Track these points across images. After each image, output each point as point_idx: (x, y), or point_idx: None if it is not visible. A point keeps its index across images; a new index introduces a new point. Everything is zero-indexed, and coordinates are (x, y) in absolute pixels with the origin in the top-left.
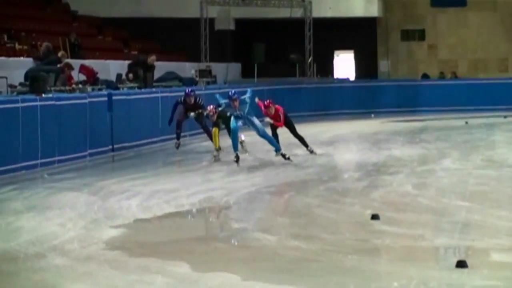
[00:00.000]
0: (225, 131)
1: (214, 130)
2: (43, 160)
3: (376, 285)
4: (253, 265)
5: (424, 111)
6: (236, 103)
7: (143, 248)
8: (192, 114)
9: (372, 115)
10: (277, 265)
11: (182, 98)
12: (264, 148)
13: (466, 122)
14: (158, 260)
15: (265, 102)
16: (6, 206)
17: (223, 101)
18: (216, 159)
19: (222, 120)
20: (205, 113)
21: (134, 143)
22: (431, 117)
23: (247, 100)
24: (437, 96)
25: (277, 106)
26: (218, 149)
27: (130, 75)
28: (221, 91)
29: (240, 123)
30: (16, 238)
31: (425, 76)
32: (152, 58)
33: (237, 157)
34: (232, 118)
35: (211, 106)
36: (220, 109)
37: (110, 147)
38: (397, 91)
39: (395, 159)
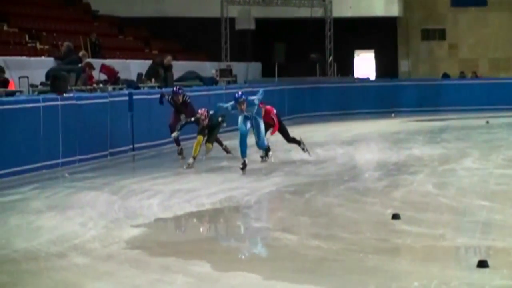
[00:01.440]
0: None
1: (199, 138)
2: (64, 160)
3: (397, 285)
4: (274, 265)
5: (445, 110)
6: (243, 106)
7: (163, 247)
8: (183, 116)
9: (393, 115)
10: (297, 265)
11: (170, 97)
12: (284, 148)
13: (487, 122)
14: (179, 260)
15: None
16: (27, 205)
17: (228, 105)
18: (190, 167)
19: (212, 125)
20: (194, 118)
21: (155, 143)
22: (452, 117)
23: (256, 102)
24: (457, 95)
25: (267, 107)
26: (195, 157)
27: (149, 82)
28: (242, 90)
29: (248, 125)
30: (37, 237)
31: (446, 76)
32: (168, 59)
33: (244, 164)
34: (240, 120)
35: (203, 109)
36: (212, 112)
37: (131, 146)
38: (418, 91)
39: (415, 159)
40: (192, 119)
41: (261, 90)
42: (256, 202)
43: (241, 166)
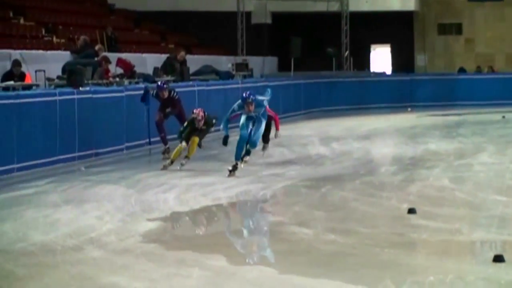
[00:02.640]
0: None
1: (194, 138)
2: (80, 153)
3: (412, 279)
4: (290, 259)
5: (461, 105)
6: (252, 107)
7: (179, 241)
8: (168, 110)
9: (409, 109)
10: (313, 259)
11: (155, 92)
12: (300, 142)
13: (503, 117)
14: (195, 253)
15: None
16: (44, 199)
17: (234, 105)
18: (181, 168)
19: (207, 127)
20: (189, 119)
21: (171, 136)
22: (468, 111)
23: (265, 103)
24: (474, 90)
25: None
26: (188, 159)
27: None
28: (257, 84)
29: (250, 128)
30: (54, 230)
31: (462, 70)
32: (181, 55)
33: (235, 167)
34: (242, 121)
35: (198, 109)
36: (207, 113)
37: (147, 140)
38: (434, 85)
39: (431, 153)
40: (191, 122)
41: (269, 90)
42: (272, 196)
43: (230, 168)
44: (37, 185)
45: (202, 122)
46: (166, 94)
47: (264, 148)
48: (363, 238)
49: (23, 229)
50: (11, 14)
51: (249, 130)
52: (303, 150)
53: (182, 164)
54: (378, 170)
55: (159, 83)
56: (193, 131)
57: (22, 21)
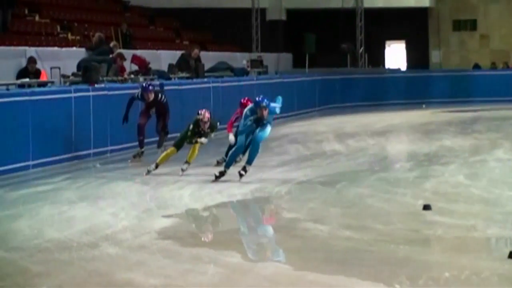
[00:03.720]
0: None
1: (196, 144)
2: (95, 150)
3: (427, 276)
4: (305, 255)
5: (476, 101)
6: (265, 112)
7: (195, 237)
8: (152, 111)
9: (424, 106)
10: (328, 255)
11: (139, 93)
12: (315, 139)
13: None
14: (210, 250)
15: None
16: (59, 195)
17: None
18: (182, 174)
19: (211, 130)
20: (193, 121)
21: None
22: (483, 108)
23: (277, 111)
24: (489, 86)
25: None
26: (189, 164)
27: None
28: (272, 81)
29: (249, 139)
30: (69, 227)
31: (476, 67)
32: (195, 52)
33: (222, 174)
34: (244, 128)
35: (204, 110)
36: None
37: None
38: (449, 82)
39: (446, 150)
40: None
41: (280, 97)
42: (287, 193)
43: (217, 174)
44: (52, 182)
45: (208, 124)
46: (151, 96)
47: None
48: (378, 234)
49: (39, 226)
50: (26, 12)
51: (248, 139)
52: (318, 146)
53: (182, 170)
54: (393, 167)
55: (144, 84)
56: (195, 134)
57: (37, 18)
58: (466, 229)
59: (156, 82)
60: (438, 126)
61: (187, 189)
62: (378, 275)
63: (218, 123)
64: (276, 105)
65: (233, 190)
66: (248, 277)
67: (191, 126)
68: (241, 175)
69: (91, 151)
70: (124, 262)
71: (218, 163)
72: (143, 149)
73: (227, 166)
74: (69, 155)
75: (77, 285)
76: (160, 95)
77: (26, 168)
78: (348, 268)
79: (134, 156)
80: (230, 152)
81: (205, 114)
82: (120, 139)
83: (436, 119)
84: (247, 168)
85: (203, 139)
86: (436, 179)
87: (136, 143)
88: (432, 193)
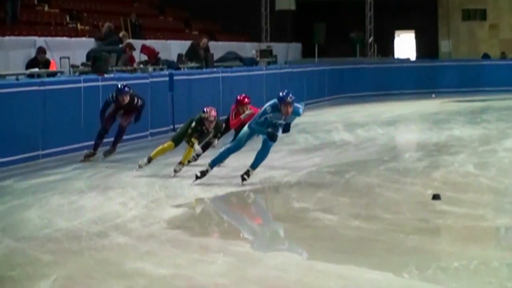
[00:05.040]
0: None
1: (190, 148)
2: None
3: (437, 265)
4: (314, 245)
5: (485, 91)
6: (290, 109)
7: (204, 227)
8: (119, 112)
9: (433, 95)
10: (338, 245)
11: (113, 95)
12: (324, 128)
13: None
14: (220, 239)
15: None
16: (69, 185)
17: (266, 105)
18: (175, 175)
19: (215, 131)
20: (197, 119)
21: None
22: (492, 97)
23: (301, 112)
24: (498, 76)
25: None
26: (183, 165)
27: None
28: (282, 71)
29: (248, 142)
30: (79, 217)
31: (486, 56)
32: (203, 42)
33: (204, 173)
34: (249, 130)
35: (210, 108)
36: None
37: (171, 127)
38: (458, 71)
39: (456, 139)
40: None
41: (303, 103)
42: (296, 183)
43: (199, 174)
44: (62, 171)
45: (213, 124)
46: (126, 99)
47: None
48: (388, 224)
49: (48, 215)
50: (35, 1)
51: (246, 143)
52: (327, 136)
53: (175, 171)
54: (402, 156)
55: (119, 85)
56: (196, 132)
57: (46, 8)
58: (475, 219)
59: (166, 72)
60: (447, 116)
61: (197, 180)
62: (387, 265)
63: (223, 125)
64: (300, 106)
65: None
66: (257, 266)
67: (193, 124)
68: (243, 179)
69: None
70: (133, 252)
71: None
72: (95, 152)
73: (213, 163)
74: (79, 145)
75: (87, 275)
76: (136, 99)
77: (35, 158)
78: (357, 258)
79: (86, 157)
80: (223, 149)
81: (211, 112)
82: (128, 129)
83: (445, 109)
84: (250, 173)
85: (197, 148)
86: (446, 168)
87: (143, 133)
88: (441, 183)
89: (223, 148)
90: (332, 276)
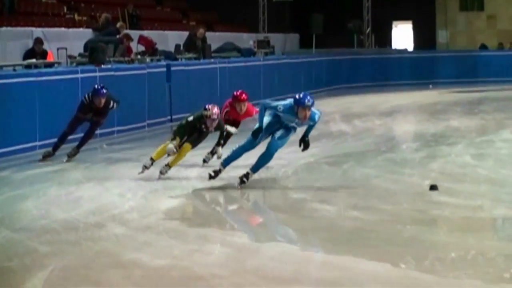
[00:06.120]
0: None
1: (186, 145)
2: (102, 131)
3: (434, 256)
4: (312, 235)
5: (483, 82)
6: (308, 113)
7: (201, 218)
8: (89, 116)
9: (430, 86)
10: (335, 236)
11: (89, 95)
12: (321, 119)
13: None
14: (217, 230)
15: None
16: (67, 176)
17: (279, 104)
18: (160, 177)
19: (220, 131)
20: (195, 116)
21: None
22: (490, 88)
23: (317, 118)
24: (495, 66)
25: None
26: (169, 168)
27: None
28: (279, 61)
29: (263, 139)
30: (76, 208)
31: (483, 47)
32: (200, 32)
33: (217, 173)
34: (270, 124)
35: (210, 105)
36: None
37: (169, 117)
38: (456, 62)
39: (453, 130)
40: (204, 113)
41: (319, 111)
42: (294, 173)
43: (213, 173)
44: (59, 162)
45: (216, 123)
46: (103, 102)
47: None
48: (385, 215)
49: (46, 206)
50: None
51: (261, 140)
52: (324, 127)
53: (161, 173)
54: (400, 147)
55: (96, 86)
56: (194, 130)
57: None
58: (473, 210)
59: (163, 62)
60: (444, 107)
61: (194, 170)
62: (385, 255)
63: (225, 127)
64: (316, 112)
65: (240, 170)
66: (254, 257)
67: (191, 118)
68: (242, 182)
69: (98, 131)
70: (131, 243)
71: (205, 162)
72: (54, 153)
73: (225, 163)
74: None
75: (84, 266)
76: (112, 103)
77: (33, 148)
78: (355, 248)
79: (44, 157)
80: (236, 146)
81: (213, 110)
82: (126, 120)
83: (443, 100)
84: (250, 176)
85: (170, 147)
86: (443, 159)
87: (141, 124)
88: (438, 173)
89: (237, 146)
90: (329, 267)
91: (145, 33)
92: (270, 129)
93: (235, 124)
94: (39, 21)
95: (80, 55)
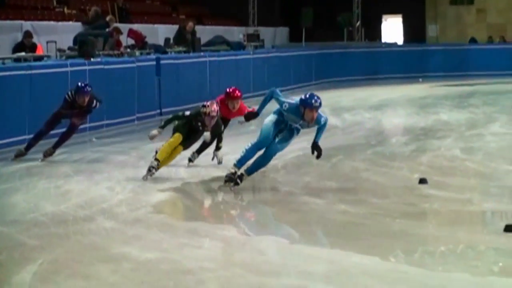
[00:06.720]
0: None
1: (178, 147)
2: (91, 124)
3: (423, 249)
4: (301, 229)
5: (472, 75)
6: (315, 115)
7: (191, 211)
8: (69, 113)
9: (420, 80)
10: (324, 229)
11: (72, 93)
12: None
13: None
14: (206, 224)
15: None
16: (55, 169)
17: (286, 100)
18: (148, 176)
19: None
20: (202, 110)
21: (182, 107)
22: (479, 82)
23: (323, 121)
24: (485, 60)
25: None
26: (159, 165)
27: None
28: (268, 55)
29: (276, 132)
30: (65, 201)
31: (473, 41)
32: (189, 25)
33: (232, 176)
34: (271, 122)
35: (209, 102)
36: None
37: (158, 111)
38: (445, 56)
39: (443, 124)
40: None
41: (326, 117)
42: (283, 167)
43: (227, 178)
44: (54, 152)
45: (214, 121)
46: (86, 100)
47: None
48: (374, 208)
49: (35, 200)
50: None
51: (273, 135)
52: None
53: (150, 171)
54: (389, 141)
55: (80, 84)
56: (190, 128)
57: None
58: (462, 203)
59: (153, 56)
60: (434, 100)
61: (183, 164)
62: (374, 249)
63: (222, 126)
64: (323, 115)
65: (229, 164)
66: (244, 250)
67: (187, 113)
68: (236, 184)
69: (87, 125)
70: (120, 236)
71: (191, 161)
72: (26, 152)
73: (239, 163)
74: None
75: (73, 259)
76: (95, 102)
77: (22, 142)
78: (344, 242)
79: (16, 156)
80: (248, 145)
81: (212, 107)
82: (115, 113)
83: (433, 93)
84: (244, 178)
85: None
86: (432, 153)
87: (130, 117)
88: (428, 167)
89: (249, 145)
90: (319, 260)
91: (135, 26)
92: (277, 128)
93: (225, 122)
94: (29, 14)
95: (69, 48)
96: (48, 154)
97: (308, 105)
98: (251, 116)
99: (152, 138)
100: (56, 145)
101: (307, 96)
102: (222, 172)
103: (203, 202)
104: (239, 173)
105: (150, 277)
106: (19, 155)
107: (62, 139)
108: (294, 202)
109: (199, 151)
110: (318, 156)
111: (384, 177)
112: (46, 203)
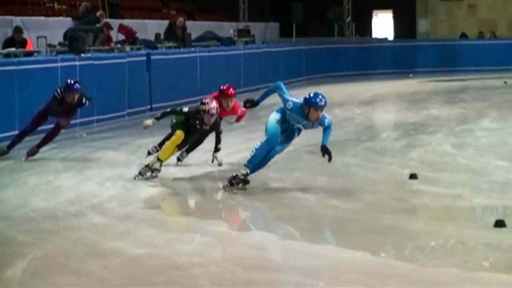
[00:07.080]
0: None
1: (179, 133)
2: (82, 120)
3: (413, 244)
4: (292, 224)
5: (463, 71)
6: (320, 115)
7: (181, 207)
8: (57, 110)
9: (411, 75)
10: (315, 224)
11: (62, 90)
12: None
13: (505, 82)
14: (197, 219)
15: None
16: (46, 165)
17: (290, 98)
18: (151, 176)
19: (215, 130)
20: (201, 108)
21: (173, 103)
22: (470, 77)
23: (326, 122)
24: (475, 56)
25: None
26: (161, 164)
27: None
28: (259, 50)
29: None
30: (55, 197)
31: (463, 36)
32: (180, 21)
33: (244, 178)
34: (276, 119)
35: (208, 99)
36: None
37: (149, 106)
38: (436, 51)
39: (433, 119)
40: (201, 107)
41: (329, 119)
42: (274, 162)
43: (238, 180)
44: (38, 151)
45: (214, 119)
46: (76, 97)
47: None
48: (365, 203)
49: (25, 195)
50: None
51: (280, 130)
52: None
53: (141, 174)
54: (380, 136)
55: (69, 81)
56: (189, 126)
57: None
58: (452, 198)
59: (143, 51)
60: (425, 96)
61: (174, 159)
62: (364, 244)
63: (221, 129)
64: (327, 116)
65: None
66: (234, 245)
67: (185, 109)
68: (231, 184)
69: (78, 120)
70: (110, 232)
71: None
72: (7, 151)
73: (249, 164)
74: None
75: (63, 255)
76: (84, 100)
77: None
78: (335, 237)
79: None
80: (258, 144)
81: (211, 104)
82: (106, 109)
83: (423, 89)
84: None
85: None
86: (423, 148)
87: (120, 113)
88: (418, 162)
89: (258, 144)
90: (309, 255)
91: (125, 22)
92: (281, 127)
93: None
94: (19, 9)
95: (59, 44)
96: (31, 153)
97: (313, 105)
98: (251, 104)
99: (146, 127)
100: (40, 145)
101: (312, 95)
102: (213, 168)
103: (193, 197)
104: (244, 172)
105: (141, 272)
106: (1, 154)
107: (46, 139)
108: (284, 197)
109: (188, 150)
110: (329, 159)
111: (374, 173)
112: (37, 199)
